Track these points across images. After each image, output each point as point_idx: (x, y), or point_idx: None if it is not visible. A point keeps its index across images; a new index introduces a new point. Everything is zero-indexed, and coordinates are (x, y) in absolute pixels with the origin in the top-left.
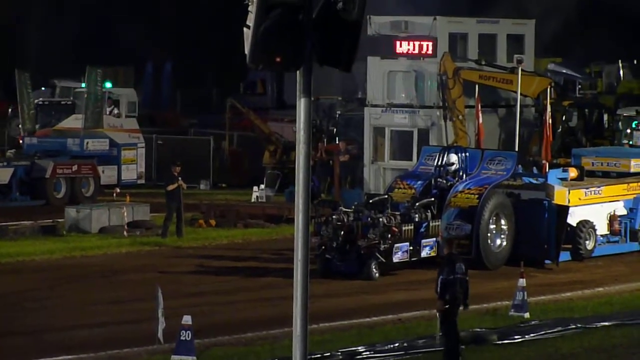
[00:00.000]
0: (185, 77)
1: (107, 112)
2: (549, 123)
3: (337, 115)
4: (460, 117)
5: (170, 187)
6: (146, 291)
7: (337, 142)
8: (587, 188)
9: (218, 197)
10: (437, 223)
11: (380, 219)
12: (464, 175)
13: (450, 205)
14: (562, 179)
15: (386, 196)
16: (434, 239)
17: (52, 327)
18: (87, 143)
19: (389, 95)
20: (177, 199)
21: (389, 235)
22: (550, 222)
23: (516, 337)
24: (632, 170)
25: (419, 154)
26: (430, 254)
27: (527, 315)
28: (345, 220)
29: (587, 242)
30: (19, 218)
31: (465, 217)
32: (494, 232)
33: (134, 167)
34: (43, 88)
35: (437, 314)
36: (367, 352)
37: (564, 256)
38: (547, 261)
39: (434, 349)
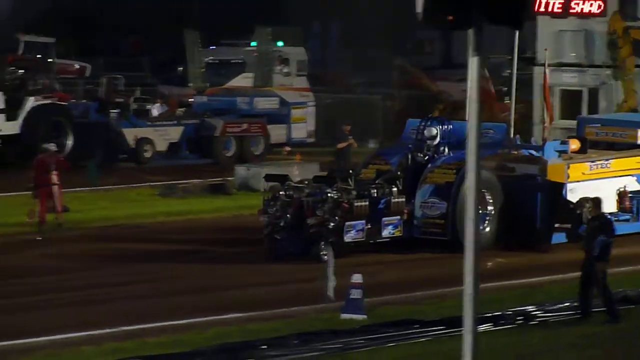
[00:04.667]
0: (352, 36)
1: (277, 71)
2: (547, 86)
3: (506, 74)
4: (630, 76)
5: (341, 146)
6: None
7: (506, 101)
8: (592, 162)
9: None
10: (400, 199)
11: (329, 194)
12: (447, 150)
13: (425, 182)
14: (562, 152)
15: (350, 170)
16: (398, 217)
17: (221, 286)
18: (257, 102)
19: (559, 54)
20: (346, 158)
21: (339, 212)
22: (542, 200)
23: None
24: None
25: (590, 112)
26: (394, 233)
27: None
28: (295, 196)
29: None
30: (188, 176)
31: (441, 194)
32: (479, 211)
33: (304, 126)
34: (213, 47)
35: (596, 275)
36: (537, 312)
37: (559, 238)
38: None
39: (598, 309)
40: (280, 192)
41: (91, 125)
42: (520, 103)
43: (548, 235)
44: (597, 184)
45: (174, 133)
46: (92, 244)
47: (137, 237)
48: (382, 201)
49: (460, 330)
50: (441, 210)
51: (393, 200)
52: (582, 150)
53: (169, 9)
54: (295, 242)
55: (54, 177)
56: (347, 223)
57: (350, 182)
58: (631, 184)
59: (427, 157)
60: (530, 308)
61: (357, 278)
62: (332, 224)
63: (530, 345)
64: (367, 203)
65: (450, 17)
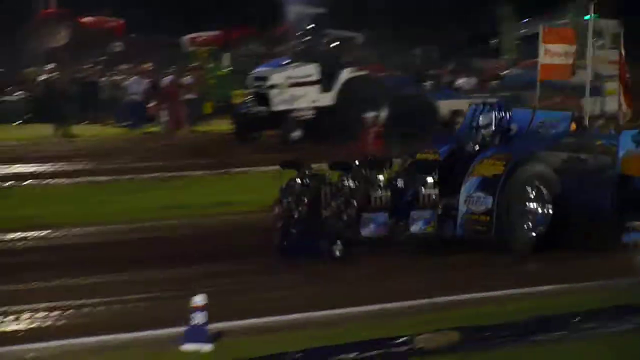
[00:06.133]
0: None
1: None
2: (623, 69)
3: None
4: None
5: None
6: None
7: None
8: None
9: None
10: (433, 191)
11: (346, 183)
12: (501, 140)
13: (472, 174)
14: None
15: (387, 158)
16: (431, 211)
17: (531, 258)
18: None
19: None
20: None
21: (354, 203)
22: (611, 195)
23: None
24: None
25: None
26: (425, 230)
27: None
28: (312, 185)
29: None
30: None
31: (487, 188)
32: (536, 208)
33: (617, 99)
34: (525, 20)
35: None
36: None
37: (635, 237)
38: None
39: None
40: (297, 181)
41: (406, 98)
42: None
43: (617, 234)
44: None
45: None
46: None
47: None
48: (410, 192)
49: None
50: (487, 206)
51: (424, 192)
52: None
53: None
54: (311, 237)
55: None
56: (365, 215)
57: (385, 172)
58: None
59: (478, 146)
60: None
61: None
62: (345, 216)
63: None
64: (388, 194)
65: None
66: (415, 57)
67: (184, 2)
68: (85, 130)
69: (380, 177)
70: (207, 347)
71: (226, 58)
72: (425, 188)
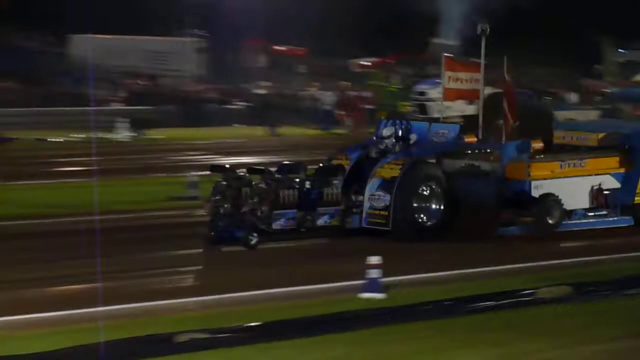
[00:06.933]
0: None
1: None
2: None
3: None
4: None
5: None
6: None
7: None
8: (563, 161)
9: None
10: (335, 191)
11: (260, 184)
12: (403, 147)
13: (374, 176)
14: (524, 152)
15: (300, 163)
16: (336, 207)
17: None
18: None
19: None
20: None
21: (266, 201)
22: (489, 194)
23: None
24: (599, 144)
25: None
26: (330, 223)
27: None
28: (234, 185)
29: (548, 216)
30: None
31: (386, 188)
32: (429, 204)
33: None
34: (621, 50)
35: None
36: None
37: (514, 230)
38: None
39: None
40: (222, 182)
41: (530, 109)
42: None
43: (492, 228)
44: (567, 181)
45: (592, 116)
46: None
47: None
48: (315, 192)
49: None
50: (385, 203)
51: (328, 191)
52: (546, 150)
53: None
54: (232, 229)
55: None
56: (276, 212)
57: (302, 175)
58: (608, 182)
59: (379, 153)
60: None
61: None
62: (259, 212)
63: None
64: (295, 193)
65: None
66: (539, 77)
67: (351, 34)
68: (288, 131)
69: (292, 179)
70: (380, 296)
71: (395, 78)
72: (329, 188)
